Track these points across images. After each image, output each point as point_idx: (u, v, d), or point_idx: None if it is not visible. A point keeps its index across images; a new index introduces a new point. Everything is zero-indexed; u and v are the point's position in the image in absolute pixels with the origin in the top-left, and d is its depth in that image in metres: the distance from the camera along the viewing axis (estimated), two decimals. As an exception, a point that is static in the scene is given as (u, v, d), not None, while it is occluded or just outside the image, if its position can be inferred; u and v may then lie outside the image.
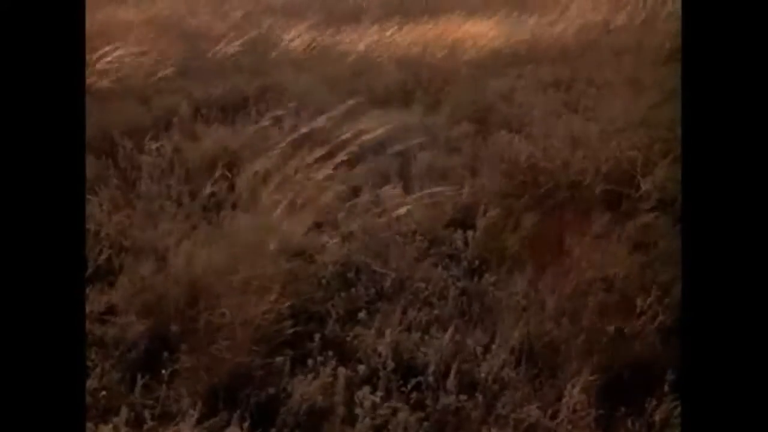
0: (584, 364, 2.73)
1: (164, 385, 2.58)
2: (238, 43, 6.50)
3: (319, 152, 4.12)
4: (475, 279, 3.28)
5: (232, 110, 5.19)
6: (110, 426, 2.39)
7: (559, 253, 3.45)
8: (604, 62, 6.46)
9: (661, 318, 2.97)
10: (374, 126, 4.56)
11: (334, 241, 3.47)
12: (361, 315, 3.03)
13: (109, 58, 5.63)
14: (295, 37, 6.76)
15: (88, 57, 5.22)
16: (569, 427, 2.53)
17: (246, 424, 2.44)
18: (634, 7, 8.01)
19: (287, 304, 3.02)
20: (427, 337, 2.88)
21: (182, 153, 4.39)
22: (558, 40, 7.10)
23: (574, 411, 2.55)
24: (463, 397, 2.60)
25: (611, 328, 2.94)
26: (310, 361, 2.73)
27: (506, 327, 2.93)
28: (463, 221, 3.76)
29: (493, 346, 2.82)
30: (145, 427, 2.43)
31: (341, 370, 2.66)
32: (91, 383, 2.56)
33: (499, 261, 3.42)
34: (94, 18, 6.32)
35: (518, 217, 3.75)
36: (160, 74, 5.73)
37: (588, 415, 2.55)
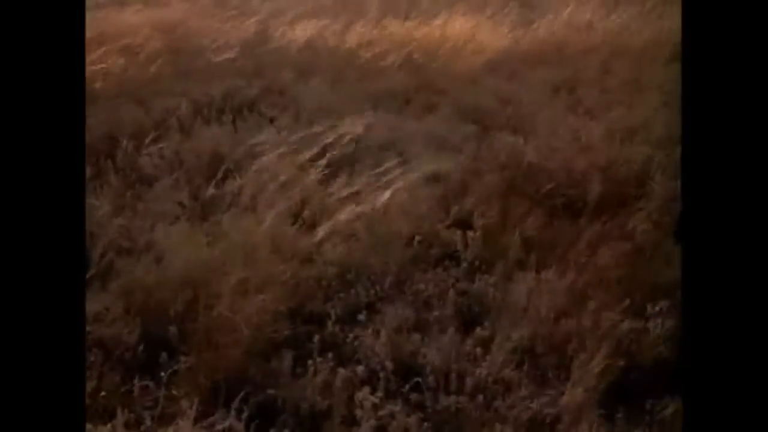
0: (585, 364, 2.72)
1: (163, 387, 2.57)
2: (238, 43, 6.49)
3: (319, 153, 4.12)
4: (475, 280, 3.28)
5: (231, 111, 5.18)
6: (109, 427, 2.39)
7: (561, 253, 3.45)
8: (606, 63, 6.46)
9: (662, 318, 2.97)
10: (374, 126, 4.57)
11: (334, 241, 3.47)
12: (361, 316, 3.03)
13: (109, 60, 5.63)
14: (294, 38, 6.76)
15: (87, 58, 5.22)
16: (570, 427, 2.53)
17: (245, 419, 2.44)
18: (635, 7, 8.01)
19: (286, 304, 3.02)
20: (426, 338, 2.88)
21: (182, 154, 4.39)
22: (559, 41, 7.09)
23: (575, 411, 2.55)
24: (462, 398, 2.60)
25: (612, 329, 2.93)
26: (309, 362, 2.73)
27: (506, 328, 2.93)
28: (464, 222, 3.76)
29: (493, 347, 2.82)
30: (144, 428, 2.43)
31: (340, 371, 2.66)
32: (90, 384, 2.56)
33: (499, 262, 3.42)
34: (95, 19, 6.32)
35: (519, 217, 3.75)
36: (159, 76, 5.72)
37: (589, 416, 2.55)
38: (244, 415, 2.47)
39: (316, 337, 2.83)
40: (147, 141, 4.42)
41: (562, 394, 2.61)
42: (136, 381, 2.59)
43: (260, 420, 2.50)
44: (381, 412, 2.51)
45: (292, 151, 4.17)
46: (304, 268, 3.26)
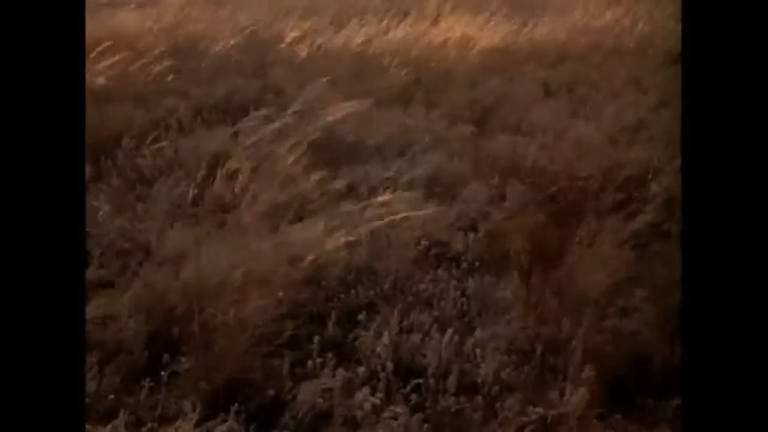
0: (585, 365, 2.72)
1: (164, 388, 2.57)
2: (239, 44, 6.50)
3: (320, 154, 4.12)
4: (476, 280, 3.28)
5: (232, 111, 5.18)
6: (110, 428, 2.39)
7: (561, 254, 3.44)
8: (606, 64, 6.46)
9: (662, 318, 2.97)
10: (374, 127, 4.57)
11: (335, 242, 3.46)
12: (361, 316, 3.02)
13: (108, 60, 5.62)
14: (294, 38, 6.77)
15: (87, 58, 5.22)
16: (570, 428, 2.52)
17: (245, 421, 2.44)
18: (635, 8, 8.02)
19: (287, 305, 3.02)
20: (427, 339, 2.87)
21: (182, 154, 4.39)
22: (560, 42, 7.10)
23: (575, 412, 2.55)
24: (462, 398, 2.60)
25: (612, 329, 2.94)
26: (309, 363, 2.72)
27: (506, 328, 2.92)
28: (464, 223, 3.75)
29: (494, 348, 2.81)
30: (145, 429, 2.43)
31: (341, 372, 2.65)
32: (91, 386, 2.56)
33: (499, 263, 3.41)
34: (95, 19, 6.32)
35: (519, 219, 3.75)
36: (159, 75, 5.72)
37: (589, 416, 2.55)
38: (245, 416, 2.47)
39: (316, 338, 2.83)
40: (147, 141, 4.42)
41: (562, 394, 2.60)
42: (137, 382, 2.58)
43: (260, 421, 2.49)
44: (381, 413, 2.51)
45: (293, 150, 4.17)
46: (305, 268, 3.26)
